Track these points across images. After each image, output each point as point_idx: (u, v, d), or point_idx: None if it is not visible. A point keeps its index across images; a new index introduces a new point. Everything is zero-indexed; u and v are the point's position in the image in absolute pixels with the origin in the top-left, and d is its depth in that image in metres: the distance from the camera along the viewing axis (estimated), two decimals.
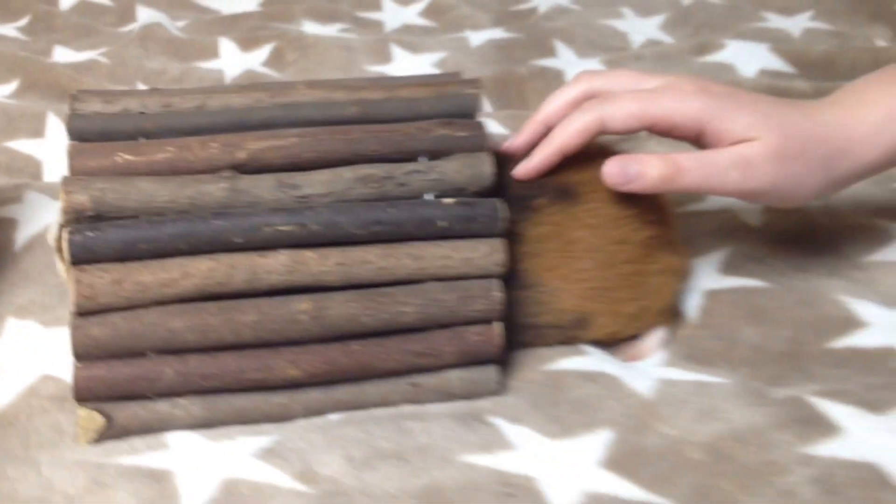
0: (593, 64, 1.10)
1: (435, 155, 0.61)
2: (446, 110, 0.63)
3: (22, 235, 0.76)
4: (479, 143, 0.62)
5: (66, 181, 0.56)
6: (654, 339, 0.67)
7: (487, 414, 0.58)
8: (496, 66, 1.10)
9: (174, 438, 0.56)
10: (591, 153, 0.65)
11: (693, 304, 0.70)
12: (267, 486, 0.53)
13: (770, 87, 1.04)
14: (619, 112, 0.62)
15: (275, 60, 1.12)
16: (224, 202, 0.57)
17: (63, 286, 0.69)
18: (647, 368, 0.64)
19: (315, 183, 0.59)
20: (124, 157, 0.58)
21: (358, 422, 0.58)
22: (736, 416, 0.59)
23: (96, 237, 0.55)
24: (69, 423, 0.57)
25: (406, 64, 1.12)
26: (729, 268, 0.73)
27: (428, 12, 1.29)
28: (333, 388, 0.60)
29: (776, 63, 1.10)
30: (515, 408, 0.59)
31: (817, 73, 1.09)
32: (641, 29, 1.20)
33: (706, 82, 0.65)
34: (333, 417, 0.59)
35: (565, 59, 1.11)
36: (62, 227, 0.56)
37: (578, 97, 0.66)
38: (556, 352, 0.64)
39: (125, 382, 0.56)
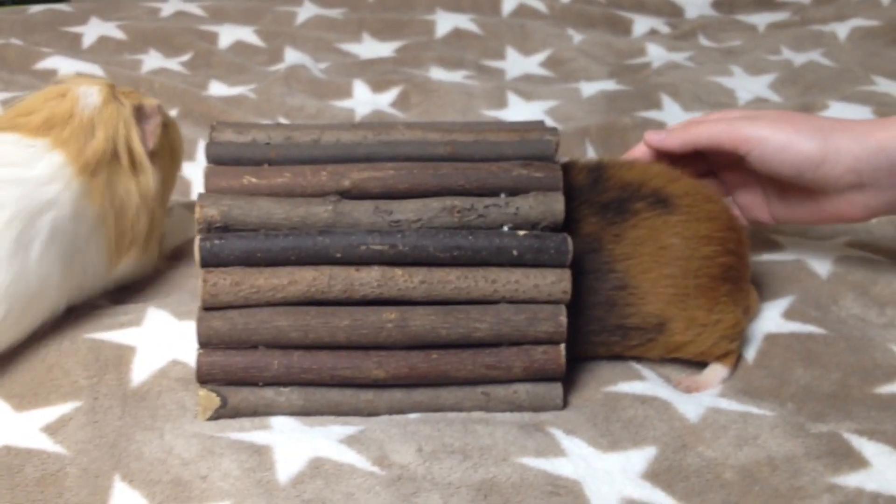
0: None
1: (513, 192, 0.69)
2: (527, 153, 0.71)
3: (167, 244, 0.88)
4: (553, 183, 0.70)
5: (201, 197, 0.67)
6: (715, 375, 0.73)
7: (547, 425, 0.66)
8: (603, 116, 1.17)
9: (276, 421, 0.66)
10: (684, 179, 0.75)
11: (753, 346, 0.75)
12: (347, 466, 0.62)
13: None
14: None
15: (401, 102, 1.23)
16: (329, 222, 0.67)
17: (195, 287, 0.81)
18: (700, 397, 0.70)
19: (406, 210, 0.68)
20: (249, 179, 0.69)
21: (433, 422, 0.66)
22: (773, 444, 0.64)
23: (222, 245, 0.66)
24: (191, 401, 0.68)
25: (519, 110, 1.21)
26: (792, 314, 0.78)
27: (548, 63, 1.38)
28: (414, 390, 0.68)
29: None
30: (573, 421, 0.66)
31: None
32: (749, 87, 1.25)
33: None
34: (412, 416, 0.68)
35: (670, 112, 1.18)
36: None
37: None
38: (618, 375, 0.71)
39: (239, 370, 0.66)
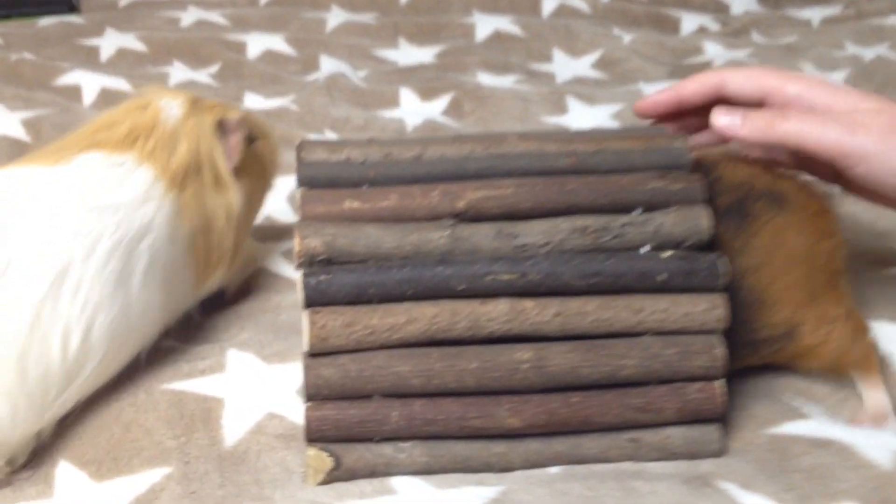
0: None
1: (649, 207, 0.61)
2: (658, 162, 0.63)
3: (235, 277, 0.78)
4: (695, 195, 0.61)
5: (300, 226, 0.58)
6: (880, 399, 0.65)
7: (715, 478, 0.57)
8: None
9: (399, 484, 0.57)
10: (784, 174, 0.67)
11: None
12: None
13: None
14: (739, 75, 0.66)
15: (453, 110, 1.14)
16: (445, 249, 0.59)
17: (276, 323, 0.72)
18: (883, 438, 0.61)
19: (533, 233, 0.59)
20: (351, 203, 0.60)
21: (580, 477, 0.57)
22: None
23: (329, 281, 0.57)
24: (295, 461, 0.58)
25: (582, 115, 1.12)
26: None
27: (600, 64, 1.29)
28: (552, 439, 0.59)
29: None
30: (743, 473, 0.57)
31: None
32: None
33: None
34: (552, 471, 0.59)
35: None
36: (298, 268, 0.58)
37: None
38: (777, 413, 0.63)
39: (354, 424, 0.57)
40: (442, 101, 1.16)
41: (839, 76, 1.20)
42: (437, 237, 0.59)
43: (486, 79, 1.23)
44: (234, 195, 0.71)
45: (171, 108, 0.70)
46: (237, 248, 0.73)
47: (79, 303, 0.59)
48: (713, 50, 1.30)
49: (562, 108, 1.14)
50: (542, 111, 1.13)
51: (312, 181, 0.61)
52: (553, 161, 0.63)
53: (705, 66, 1.26)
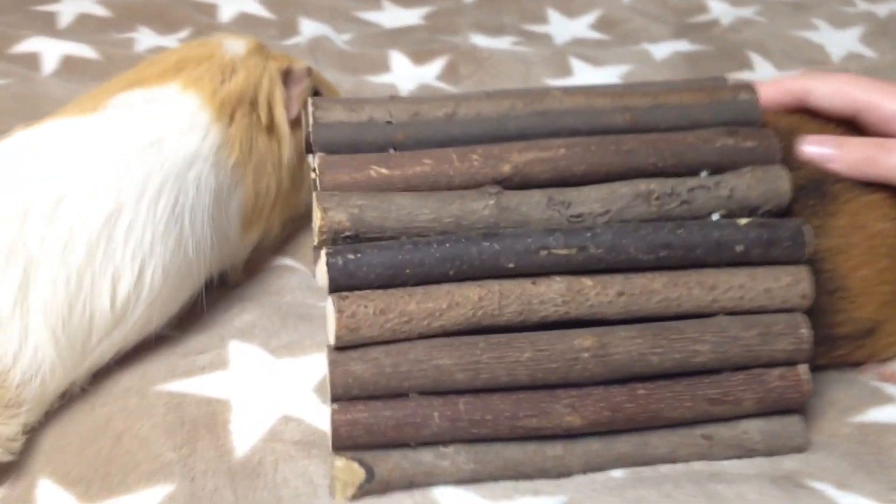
0: None
1: (718, 168, 0.53)
2: (725, 117, 0.55)
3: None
4: (770, 154, 0.54)
5: (322, 197, 0.50)
6: None
7: (804, 476, 0.49)
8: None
9: (444, 496, 0.49)
10: None
11: None
12: None
13: None
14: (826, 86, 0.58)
15: (449, 74, 1.06)
16: (491, 221, 0.50)
17: (282, 308, 0.63)
18: None
19: (589, 200, 0.51)
20: (378, 170, 0.51)
21: (651, 481, 0.49)
22: None
23: (359, 260, 0.49)
24: (319, 472, 0.50)
25: (588, 77, 1.04)
26: None
27: (599, 25, 1.21)
28: (615, 438, 0.51)
29: None
30: (837, 471, 0.50)
31: None
32: (839, 41, 1.11)
33: None
34: (616, 474, 0.51)
35: (764, 72, 1.03)
36: (318, 246, 0.50)
37: None
38: (860, 398, 0.56)
39: (389, 428, 0.49)
40: (436, 65, 1.07)
41: (853, 33, 1.13)
42: (480, 207, 0.51)
43: (480, 41, 1.14)
44: (286, 145, 0.66)
45: (234, 45, 0.67)
46: (277, 204, 0.67)
47: (132, 245, 0.55)
48: (718, 8, 1.23)
49: (566, 70, 1.06)
50: (545, 74, 1.05)
51: (331, 145, 0.53)
52: (607, 118, 0.55)
53: (712, 25, 1.18)
